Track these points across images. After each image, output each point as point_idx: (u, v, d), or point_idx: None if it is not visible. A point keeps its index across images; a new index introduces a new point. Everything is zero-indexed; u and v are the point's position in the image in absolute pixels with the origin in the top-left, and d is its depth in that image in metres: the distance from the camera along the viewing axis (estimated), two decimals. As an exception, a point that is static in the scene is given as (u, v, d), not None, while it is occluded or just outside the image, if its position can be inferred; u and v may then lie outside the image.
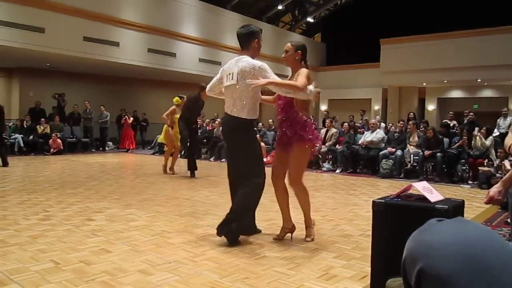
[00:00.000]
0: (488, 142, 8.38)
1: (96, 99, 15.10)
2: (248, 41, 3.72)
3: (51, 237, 3.69)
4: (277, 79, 3.58)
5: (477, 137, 8.52)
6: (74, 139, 14.05)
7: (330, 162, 10.52)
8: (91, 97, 15.06)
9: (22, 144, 12.34)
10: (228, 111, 3.71)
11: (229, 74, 3.68)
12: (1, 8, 10.70)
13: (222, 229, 3.55)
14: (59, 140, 12.69)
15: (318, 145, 4.28)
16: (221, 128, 4.10)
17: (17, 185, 6.76)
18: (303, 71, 3.59)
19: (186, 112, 7.98)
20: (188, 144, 8.24)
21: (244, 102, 3.60)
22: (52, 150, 12.44)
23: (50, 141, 12.52)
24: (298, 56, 3.76)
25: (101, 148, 14.83)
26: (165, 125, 8.92)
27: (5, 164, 9.13)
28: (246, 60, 3.61)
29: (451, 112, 12.15)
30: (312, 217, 3.94)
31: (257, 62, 3.60)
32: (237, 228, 3.58)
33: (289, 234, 3.86)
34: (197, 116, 8.49)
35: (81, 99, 14.78)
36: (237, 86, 3.59)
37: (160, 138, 9.76)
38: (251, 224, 3.88)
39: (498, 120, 10.86)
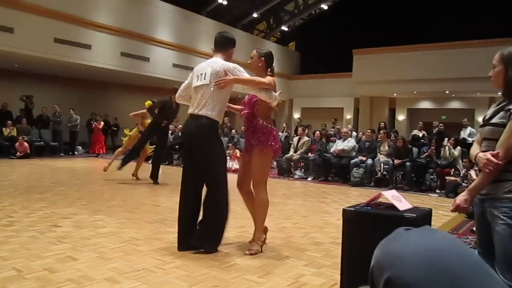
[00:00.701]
0: (456, 152, 8.61)
1: (66, 102, 14.76)
2: (227, 46, 3.76)
3: (14, 244, 3.56)
4: (246, 77, 3.61)
5: (446, 147, 8.75)
6: (42, 142, 13.69)
7: (302, 170, 10.59)
8: (61, 100, 14.70)
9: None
10: (194, 111, 3.57)
11: (201, 74, 3.62)
12: (-32, 6, 10.36)
13: (199, 240, 3.52)
14: (26, 144, 12.32)
15: (279, 153, 4.33)
16: (180, 132, 3.94)
17: (-21, 189, 6.52)
18: (268, 78, 3.67)
19: (156, 115, 7.83)
20: (156, 148, 8.19)
21: (215, 103, 3.53)
22: (18, 153, 12.06)
23: (17, 144, 12.15)
24: (261, 62, 3.79)
25: (70, 153, 14.49)
26: (135, 129, 8.71)
27: None
28: (221, 62, 3.60)
29: (420, 123, 12.44)
30: (268, 230, 3.95)
31: (231, 64, 3.62)
32: (219, 238, 3.58)
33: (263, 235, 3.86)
34: (170, 120, 8.16)
35: (50, 102, 14.42)
36: (211, 88, 3.52)
37: (124, 140, 9.12)
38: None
39: (461, 131, 11.20)
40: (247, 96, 3.87)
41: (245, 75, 3.61)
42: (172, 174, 8.61)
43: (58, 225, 4.31)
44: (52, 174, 8.99)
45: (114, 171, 8.30)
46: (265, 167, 3.71)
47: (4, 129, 12.56)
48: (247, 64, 3.85)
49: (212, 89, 3.52)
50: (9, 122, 12.79)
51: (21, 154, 12.05)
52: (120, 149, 9.00)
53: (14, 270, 2.94)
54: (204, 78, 3.57)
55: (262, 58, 3.80)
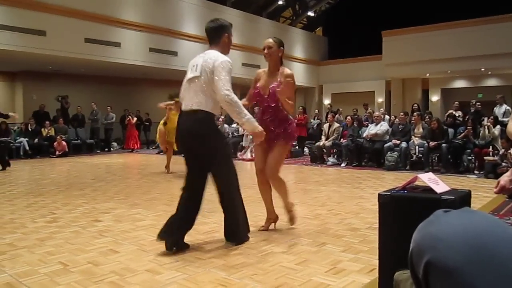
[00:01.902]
0: (496, 131, 8.33)
1: (99, 100, 15.13)
2: (217, 36, 3.41)
3: (58, 239, 3.71)
4: (286, 101, 3.64)
5: (486, 127, 8.47)
6: (79, 141, 14.10)
7: (335, 156, 10.51)
8: (94, 99, 15.09)
9: (27, 148, 12.40)
10: (187, 107, 3.33)
11: (194, 66, 3.36)
12: (2, 12, 10.73)
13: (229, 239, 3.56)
14: (64, 143, 12.73)
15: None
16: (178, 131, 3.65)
17: (23, 188, 6.80)
18: (290, 81, 3.72)
19: None
20: None
21: (209, 95, 3.24)
22: (57, 152, 12.48)
23: (55, 143, 12.58)
24: (281, 53, 3.80)
25: (106, 149, 14.88)
26: (160, 124, 8.71)
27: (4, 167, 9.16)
28: (212, 54, 3.31)
29: (456, 102, 12.07)
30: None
31: (220, 58, 3.26)
32: (243, 229, 3.60)
33: (273, 224, 4.03)
34: None
35: (84, 101, 14.83)
36: (202, 79, 3.24)
37: (157, 138, 9.37)
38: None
39: (495, 108, 10.71)
40: (263, 86, 3.80)
41: (228, 77, 3.20)
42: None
43: (99, 220, 4.45)
44: (90, 170, 9.27)
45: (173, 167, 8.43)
46: (284, 157, 3.89)
47: (42, 129, 13.02)
48: (265, 53, 3.76)
49: (203, 80, 3.24)
50: (47, 122, 13.24)
51: (59, 153, 12.47)
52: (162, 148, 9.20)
53: (60, 264, 3.06)
54: (196, 70, 3.31)
55: (282, 48, 3.81)
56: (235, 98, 3.19)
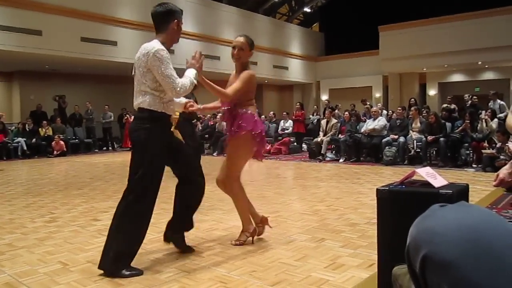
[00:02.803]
0: (494, 124, 8.34)
1: (97, 99, 15.10)
2: (165, 22, 3.01)
3: (58, 239, 3.71)
4: (207, 82, 3.17)
5: (483, 120, 8.48)
6: (77, 140, 14.08)
7: (333, 151, 10.52)
8: (91, 98, 15.06)
9: (25, 148, 12.38)
10: (134, 105, 3.05)
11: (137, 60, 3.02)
12: (-2, 12, 10.69)
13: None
14: (61, 142, 12.71)
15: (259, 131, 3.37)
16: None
17: (22, 188, 6.79)
18: (242, 75, 3.31)
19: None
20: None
21: (145, 93, 2.94)
22: (55, 152, 12.46)
23: (53, 143, 12.55)
24: (250, 56, 3.50)
25: (104, 148, 14.86)
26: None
27: None
28: (146, 47, 2.95)
29: (449, 97, 12.09)
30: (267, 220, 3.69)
31: (153, 47, 2.88)
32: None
33: (267, 227, 3.64)
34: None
35: (81, 100, 14.79)
36: (137, 73, 2.98)
37: None
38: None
39: (490, 104, 10.66)
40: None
41: (169, 68, 2.86)
42: (204, 163, 8.68)
43: (98, 219, 4.46)
44: (88, 170, 9.26)
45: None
46: (241, 157, 3.47)
47: (40, 129, 12.99)
48: (234, 54, 3.37)
49: (137, 75, 2.97)
50: (44, 122, 13.21)
51: (58, 153, 12.45)
52: None
53: (59, 263, 3.06)
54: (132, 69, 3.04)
55: (252, 51, 3.48)
56: (184, 84, 2.89)
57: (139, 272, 2.81)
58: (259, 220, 3.58)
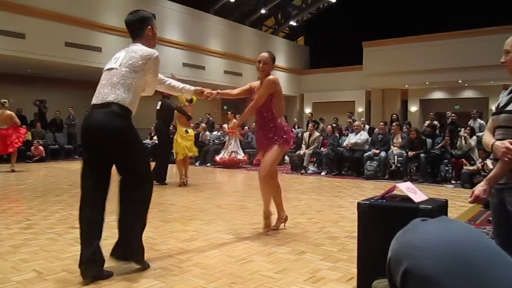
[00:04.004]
0: (473, 142, 8.50)
1: (79, 105, 14.87)
2: (140, 29, 3.12)
3: (33, 246, 3.62)
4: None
5: (463, 137, 8.64)
6: (57, 146, 13.85)
7: (315, 164, 10.57)
8: (74, 103, 14.85)
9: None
10: (100, 100, 2.95)
11: (114, 58, 3.09)
12: (-20, 14, 10.52)
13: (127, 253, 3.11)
14: (41, 147, 12.48)
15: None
16: (83, 127, 3.04)
17: (-2, 193, 6.63)
18: (266, 81, 4.07)
19: (171, 114, 7.82)
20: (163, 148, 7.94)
21: (128, 91, 2.93)
22: (34, 157, 12.22)
23: (32, 148, 12.32)
24: (272, 68, 4.18)
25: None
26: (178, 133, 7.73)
27: None
28: (138, 48, 3.05)
29: (432, 114, 12.31)
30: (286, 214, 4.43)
31: (154, 53, 3.04)
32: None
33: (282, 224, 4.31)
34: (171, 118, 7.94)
35: (63, 106, 14.58)
36: (123, 72, 2.94)
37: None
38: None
39: (469, 122, 10.91)
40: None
41: (157, 68, 3.08)
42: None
43: (76, 227, 4.33)
44: (68, 176, 9.10)
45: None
46: (278, 160, 4.25)
47: (19, 133, 12.72)
48: (260, 68, 4.11)
49: (123, 72, 2.94)
50: (24, 126, 12.96)
51: (36, 158, 12.22)
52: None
53: (34, 271, 2.99)
54: (115, 62, 3.04)
55: (273, 63, 4.23)
56: (169, 80, 3.55)
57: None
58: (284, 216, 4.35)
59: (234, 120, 11.43)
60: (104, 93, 2.95)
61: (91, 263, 2.79)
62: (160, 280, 2.83)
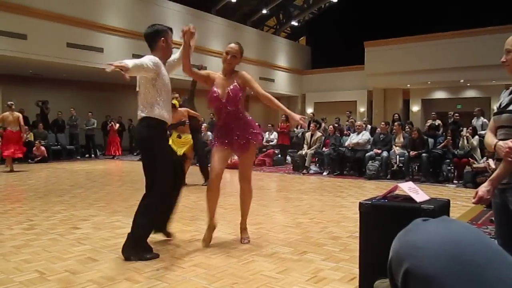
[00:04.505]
0: (475, 141, 8.48)
1: (81, 106, 14.94)
2: (154, 41, 3.48)
3: (35, 247, 3.63)
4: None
5: (465, 137, 8.62)
6: (59, 146, 13.88)
7: (317, 164, 10.57)
8: (75, 104, 14.89)
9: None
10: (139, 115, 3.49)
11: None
12: (-18, 15, 10.55)
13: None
14: (43, 148, 12.51)
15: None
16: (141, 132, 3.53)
17: (0, 194, 6.64)
18: (251, 79, 3.84)
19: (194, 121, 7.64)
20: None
21: (146, 102, 3.44)
22: (36, 158, 12.25)
23: (34, 148, 12.34)
24: (240, 61, 3.83)
25: (87, 155, 14.68)
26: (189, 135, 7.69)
27: None
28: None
29: (433, 113, 12.28)
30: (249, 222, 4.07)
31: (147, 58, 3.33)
32: None
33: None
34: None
35: (65, 106, 14.62)
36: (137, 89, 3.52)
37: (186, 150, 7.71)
38: None
39: (472, 120, 10.89)
40: (220, 90, 3.68)
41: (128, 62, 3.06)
42: (188, 173, 8.64)
43: (78, 227, 4.38)
44: (69, 177, 9.12)
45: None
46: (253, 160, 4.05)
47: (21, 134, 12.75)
48: (228, 60, 3.68)
49: (142, 89, 3.42)
50: (26, 127, 12.98)
51: (38, 159, 12.24)
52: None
53: (36, 272, 2.99)
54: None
55: (241, 56, 3.84)
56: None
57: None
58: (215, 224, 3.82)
59: None
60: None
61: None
62: (162, 281, 2.83)
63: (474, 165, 7.91)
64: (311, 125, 11.23)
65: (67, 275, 2.95)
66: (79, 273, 2.99)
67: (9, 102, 9.84)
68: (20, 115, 10.00)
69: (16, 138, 9.79)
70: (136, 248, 3.30)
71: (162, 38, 3.47)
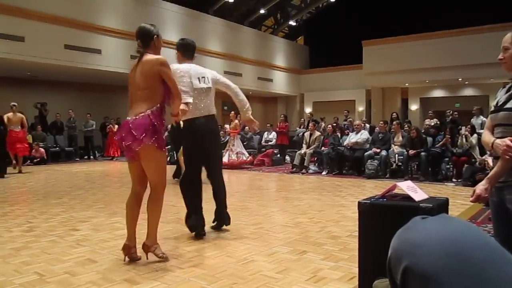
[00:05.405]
0: (474, 140, 8.49)
1: (79, 108, 14.91)
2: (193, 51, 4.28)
3: (35, 249, 3.63)
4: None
5: (464, 136, 8.63)
6: (58, 148, 13.86)
7: (316, 164, 10.57)
8: (74, 106, 14.86)
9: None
10: (206, 112, 3.99)
11: (202, 77, 4.00)
12: (-21, 17, 10.53)
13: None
14: (41, 150, 12.50)
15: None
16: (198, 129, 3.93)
17: (-1, 196, 6.63)
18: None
19: None
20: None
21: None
22: (35, 160, 12.23)
23: (33, 150, 12.32)
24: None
25: (86, 157, 14.66)
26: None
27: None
28: (208, 70, 4.21)
29: (430, 112, 12.29)
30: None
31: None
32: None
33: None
34: None
35: (63, 108, 14.59)
36: (212, 89, 4.06)
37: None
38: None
39: (472, 119, 10.88)
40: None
41: None
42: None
43: (77, 229, 4.37)
44: (68, 179, 9.11)
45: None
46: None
47: (20, 136, 12.74)
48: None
49: (211, 92, 4.06)
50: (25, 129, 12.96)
51: (37, 160, 12.22)
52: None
53: (36, 274, 2.99)
54: (205, 82, 3.98)
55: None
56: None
57: None
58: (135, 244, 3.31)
59: (236, 121, 11.43)
60: (207, 107, 4.04)
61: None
62: (162, 282, 2.83)
63: (483, 157, 7.79)
64: (310, 124, 11.24)
65: (67, 276, 2.94)
66: (78, 274, 2.98)
67: (12, 103, 10.03)
68: (23, 116, 10.23)
69: (20, 137, 10.00)
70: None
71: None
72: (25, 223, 4.66)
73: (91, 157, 14.80)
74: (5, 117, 9.81)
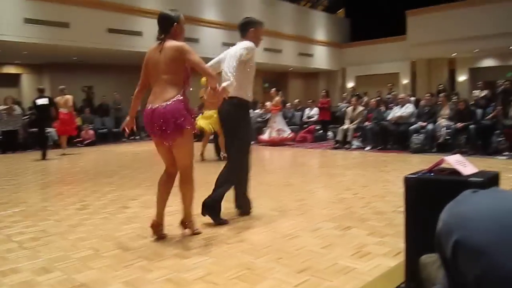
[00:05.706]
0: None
1: (123, 89, 15.28)
2: (244, 30, 4.10)
3: (89, 226, 3.82)
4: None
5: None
6: (105, 130, 14.36)
7: (359, 139, 10.41)
8: (119, 88, 15.27)
9: (56, 138, 12.68)
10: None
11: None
12: (28, 6, 10.93)
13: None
14: (91, 132, 13.00)
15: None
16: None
17: (54, 177, 6.99)
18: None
19: None
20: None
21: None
22: (85, 141, 12.75)
23: (83, 132, 12.84)
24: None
25: (132, 137, 15.12)
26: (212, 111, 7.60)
27: (44, 157, 9.42)
28: (238, 46, 3.95)
29: (479, 83, 11.73)
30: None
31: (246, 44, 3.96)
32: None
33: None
34: None
35: (108, 90, 15.04)
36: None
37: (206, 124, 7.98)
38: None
39: None
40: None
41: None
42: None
43: (127, 207, 4.55)
44: (117, 158, 9.45)
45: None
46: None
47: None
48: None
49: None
50: (74, 112, 13.49)
51: (87, 142, 12.74)
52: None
53: (91, 249, 3.16)
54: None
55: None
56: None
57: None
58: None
59: (277, 98, 11.40)
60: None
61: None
62: (210, 256, 2.92)
63: None
64: (352, 99, 11.04)
65: (119, 251, 3.09)
66: (130, 249, 3.12)
67: (60, 87, 10.44)
68: (69, 97, 10.49)
69: (67, 119, 10.35)
70: (212, 210, 3.75)
71: (252, 29, 4.00)
72: (79, 201, 4.90)
73: (138, 137, 15.23)
74: (55, 100, 10.21)
